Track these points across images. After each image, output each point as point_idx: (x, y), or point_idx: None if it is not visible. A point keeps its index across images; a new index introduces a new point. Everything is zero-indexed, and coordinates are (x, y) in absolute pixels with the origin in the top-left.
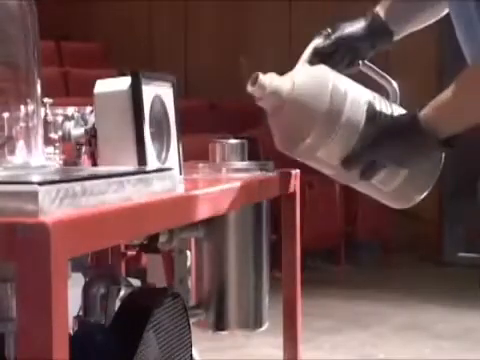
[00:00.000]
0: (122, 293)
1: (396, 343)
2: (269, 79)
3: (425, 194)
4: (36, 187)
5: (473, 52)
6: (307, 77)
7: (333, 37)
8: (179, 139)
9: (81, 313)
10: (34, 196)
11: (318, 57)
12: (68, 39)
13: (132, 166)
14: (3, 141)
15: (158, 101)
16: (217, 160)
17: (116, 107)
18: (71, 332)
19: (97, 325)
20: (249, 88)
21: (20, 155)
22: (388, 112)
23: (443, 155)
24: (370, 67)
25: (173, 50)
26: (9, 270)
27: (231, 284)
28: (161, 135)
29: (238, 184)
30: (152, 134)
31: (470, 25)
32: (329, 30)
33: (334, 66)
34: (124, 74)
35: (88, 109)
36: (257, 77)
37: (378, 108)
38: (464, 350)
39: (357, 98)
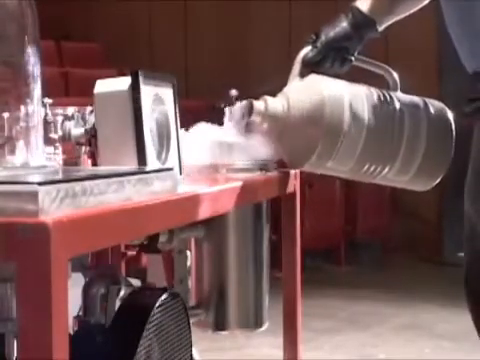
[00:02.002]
0: (122, 293)
1: (396, 343)
2: (263, 105)
3: (441, 177)
4: (36, 187)
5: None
6: (300, 94)
7: (318, 45)
8: (179, 139)
9: (81, 313)
10: (34, 196)
11: (308, 68)
12: (68, 39)
13: (132, 166)
14: (3, 141)
15: (158, 101)
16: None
17: (116, 107)
18: (71, 332)
19: (97, 325)
20: (248, 118)
21: (20, 155)
22: (389, 100)
23: (453, 141)
24: (364, 60)
25: (173, 50)
26: (9, 270)
27: (231, 284)
28: (161, 135)
29: (238, 184)
30: (152, 134)
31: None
32: (313, 37)
33: (326, 72)
34: (124, 74)
35: (88, 109)
36: (252, 106)
37: (377, 101)
38: (464, 350)
39: (354, 101)
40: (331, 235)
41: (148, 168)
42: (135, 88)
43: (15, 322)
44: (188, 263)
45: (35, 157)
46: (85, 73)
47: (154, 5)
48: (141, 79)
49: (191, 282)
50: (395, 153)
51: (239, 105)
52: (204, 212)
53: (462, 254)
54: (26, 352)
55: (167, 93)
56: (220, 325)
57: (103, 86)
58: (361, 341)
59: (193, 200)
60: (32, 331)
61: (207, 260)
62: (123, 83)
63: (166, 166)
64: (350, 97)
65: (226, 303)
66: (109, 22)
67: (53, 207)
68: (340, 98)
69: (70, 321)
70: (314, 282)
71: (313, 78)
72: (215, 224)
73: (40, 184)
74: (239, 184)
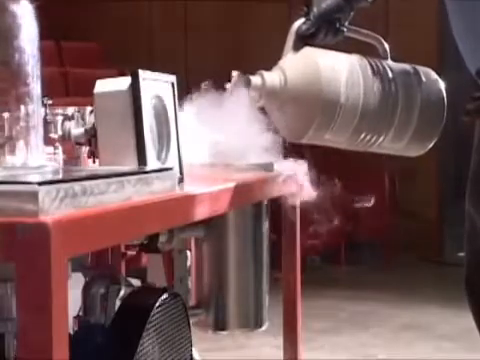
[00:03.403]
0: (122, 293)
1: (396, 343)
2: (260, 79)
3: (434, 141)
4: (36, 187)
5: None
6: (296, 67)
7: (311, 17)
8: (179, 139)
9: (81, 313)
10: (34, 196)
11: (302, 41)
12: (68, 39)
13: (132, 166)
14: (3, 141)
15: (158, 101)
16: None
17: (116, 107)
18: (71, 332)
19: (97, 325)
20: (244, 93)
21: (20, 155)
22: (381, 69)
23: (445, 105)
24: (355, 30)
25: (173, 50)
26: (9, 270)
27: (231, 284)
28: (161, 135)
29: (238, 184)
30: (152, 134)
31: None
32: (305, 9)
33: (320, 43)
34: (124, 74)
35: (88, 109)
36: (249, 80)
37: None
38: (464, 350)
39: (350, 71)
40: (331, 235)
41: (148, 168)
42: (135, 88)
43: (15, 322)
44: (188, 263)
45: (35, 157)
46: (85, 73)
47: (154, 5)
48: (141, 79)
49: (191, 282)
50: (390, 121)
51: (235, 77)
52: (204, 212)
53: (462, 254)
54: (26, 352)
55: (167, 93)
56: (220, 325)
57: (103, 86)
58: (361, 341)
59: (193, 200)
60: (32, 331)
61: (207, 260)
62: (123, 83)
63: (166, 166)
64: (345, 68)
65: (226, 303)
66: (109, 22)
67: (53, 207)
68: (336, 70)
69: (70, 321)
70: (314, 282)
71: (308, 51)
72: (215, 224)
73: (40, 184)
74: (239, 184)
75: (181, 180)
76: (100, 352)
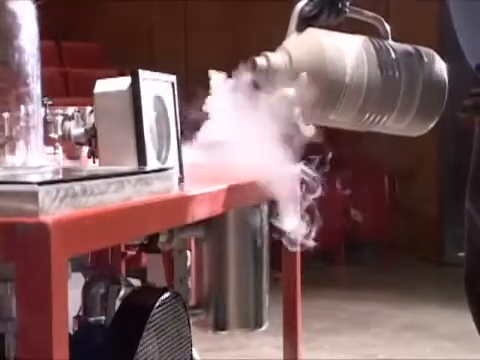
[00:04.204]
0: (122, 293)
1: (396, 343)
2: (266, 61)
3: (436, 120)
4: (36, 187)
5: None
6: (301, 49)
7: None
8: (179, 139)
9: (81, 313)
10: (34, 196)
11: (305, 22)
12: (68, 39)
13: (132, 166)
14: (3, 141)
15: (158, 101)
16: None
17: (116, 107)
18: (71, 332)
19: (97, 325)
20: (251, 75)
21: (20, 155)
22: (384, 49)
23: (447, 84)
24: (357, 11)
25: (173, 50)
26: (9, 270)
27: (231, 284)
28: (161, 135)
29: (238, 184)
30: (152, 134)
31: None
32: None
33: (322, 24)
34: (124, 74)
35: (88, 109)
36: (255, 63)
37: (373, 50)
38: (464, 350)
39: (354, 52)
40: (331, 235)
41: (148, 168)
42: (135, 88)
43: (15, 322)
44: (188, 263)
45: (35, 157)
46: (85, 73)
47: (154, 5)
48: (141, 79)
49: (191, 282)
50: (394, 100)
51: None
52: (204, 212)
53: (462, 254)
54: (26, 352)
55: (167, 93)
56: (220, 325)
57: (103, 86)
58: (361, 341)
59: (193, 200)
60: (32, 331)
61: (207, 260)
62: (123, 83)
63: (166, 166)
64: (350, 49)
65: (226, 303)
66: (109, 22)
67: (53, 207)
68: (340, 50)
69: (70, 321)
70: (314, 282)
71: (312, 32)
72: (215, 224)
73: (40, 184)
74: (239, 184)
75: (181, 180)
76: (100, 352)
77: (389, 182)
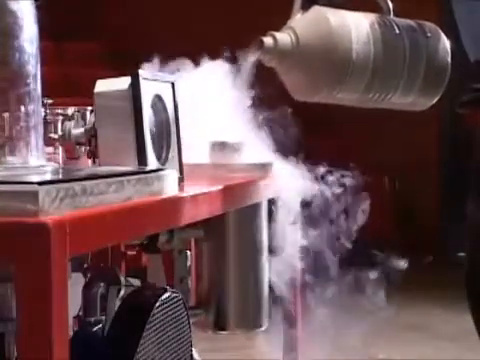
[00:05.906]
0: (122, 293)
1: (396, 343)
2: (272, 40)
3: (440, 95)
4: (36, 187)
5: None
6: (307, 27)
7: None
8: (179, 139)
9: (81, 313)
10: (34, 196)
11: (310, 1)
12: (68, 39)
13: (132, 166)
14: (3, 141)
15: (158, 101)
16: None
17: (116, 107)
18: (71, 332)
19: (97, 325)
20: (257, 55)
21: (20, 155)
22: (388, 25)
23: (450, 58)
24: None
25: (173, 50)
26: (9, 270)
27: (231, 284)
28: (161, 135)
29: (238, 184)
30: (152, 134)
31: None
32: None
33: (327, 2)
34: (124, 74)
35: (88, 109)
36: (262, 42)
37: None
38: (465, 350)
39: (359, 29)
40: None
41: (148, 168)
42: (135, 88)
43: (15, 322)
44: (188, 263)
45: (35, 157)
46: (85, 73)
47: (154, 5)
48: (141, 79)
49: (191, 282)
50: (399, 76)
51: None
52: (204, 212)
53: (462, 254)
54: (26, 352)
55: (167, 93)
56: (220, 325)
57: (103, 86)
58: (361, 341)
59: (193, 200)
60: (32, 331)
61: (207, 260)
62: (123, 83)
63: (166, 166)
64: (355, 26)
65: (226, 303)
66: (109, 22)
67: (53, 207)
68: (347, 28)
69: (70, 321)
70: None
71: (317, 10)
72: (215, 224)
73: (40, 184)
74: (239, 184)
75: (181, 180)
76: (100, 352)
77: (389, 182)
